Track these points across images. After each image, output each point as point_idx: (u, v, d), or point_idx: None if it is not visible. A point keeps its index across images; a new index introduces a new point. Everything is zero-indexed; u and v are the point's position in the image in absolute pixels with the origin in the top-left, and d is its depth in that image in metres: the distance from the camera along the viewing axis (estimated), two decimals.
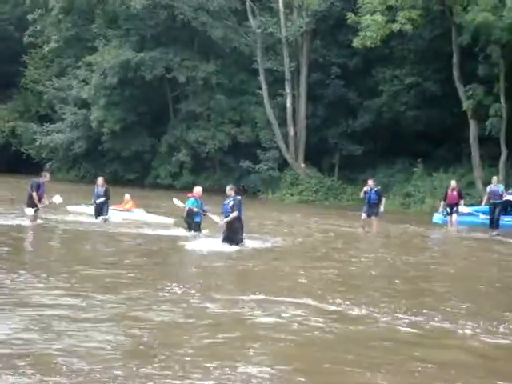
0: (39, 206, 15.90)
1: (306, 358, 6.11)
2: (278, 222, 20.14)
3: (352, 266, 12.11)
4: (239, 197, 13.83)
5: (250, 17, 34.48)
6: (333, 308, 8.01)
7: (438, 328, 7.24)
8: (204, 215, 15.04)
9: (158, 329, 6.70)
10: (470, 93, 27.04)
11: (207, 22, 35.00)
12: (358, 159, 33.42)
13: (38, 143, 42.40)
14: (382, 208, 18.16)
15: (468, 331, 7.14)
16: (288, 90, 33.51)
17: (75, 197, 23.17)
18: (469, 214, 20.12)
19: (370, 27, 26.82)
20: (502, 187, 19.66)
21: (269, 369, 5.58)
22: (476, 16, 24.29)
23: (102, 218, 17.44)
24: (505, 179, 24.63)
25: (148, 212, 19.17)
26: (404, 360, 6.04)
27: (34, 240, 14.35)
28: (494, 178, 19.97)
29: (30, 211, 15.75)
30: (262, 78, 34.03)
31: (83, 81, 39.32)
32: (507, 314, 8.08)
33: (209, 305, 7.87)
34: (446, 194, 19.73)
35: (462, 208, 19.68)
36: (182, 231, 15.39)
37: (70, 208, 19.33)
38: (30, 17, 44.47)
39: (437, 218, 20.42)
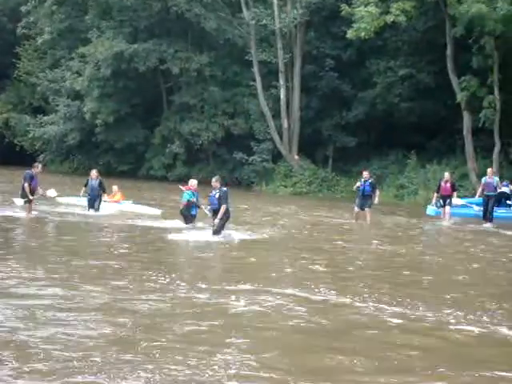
0: (30, 197, 15.85)
1: (289, 345, 6.12)
2: (270, 214, 20.13)
3: (341, 256, 12.15)
4: (225, 188, 13.82)
5: (244, 8, 34.34)
6: (317, 297, 8.03)
7: (421, 317, 7.26)
8: (199, 208, 15.07)
9: (142, 317, 6.71)
10: (464, 84, 26.97)
11: (201, 14, 34.81)
12: (352, 151, 33.38)
13: (31, 135, 42.24)
14: (376, 200, 18.15)
15: (451, 320, 7.17)
16: (282, 81, 33.42)
17: (68, 188, 23.19)
18: (462, 206, 20.16)
19: (364, 19, 26.69)
20: (496, 179, 19.66)
21: (250, 355, 5.59)
22: (470, 7, 24.18)
23: (92, 210, 17.50)
24: (498, 171, 24.61)
25: (135, 203, 19.21)
26: (385, 348, 6.07)
27: (25, 231, 14.35)
28: (489, 170, 19.96)
29: (19, 201, 15.73)
30: (255, 69, 33.92)
31: (77, 72, 39.11)
32: (492, 304, 8.11)
33: (195, 294, 7.90)
34: (440, 185, 19.67)
35: (456, 200, 19.68)
36: (170, 222, 15.45)
37: (60, 199, 19.33)
38: (23, 8, 44.20)
39: (430, 209, 20.43)
